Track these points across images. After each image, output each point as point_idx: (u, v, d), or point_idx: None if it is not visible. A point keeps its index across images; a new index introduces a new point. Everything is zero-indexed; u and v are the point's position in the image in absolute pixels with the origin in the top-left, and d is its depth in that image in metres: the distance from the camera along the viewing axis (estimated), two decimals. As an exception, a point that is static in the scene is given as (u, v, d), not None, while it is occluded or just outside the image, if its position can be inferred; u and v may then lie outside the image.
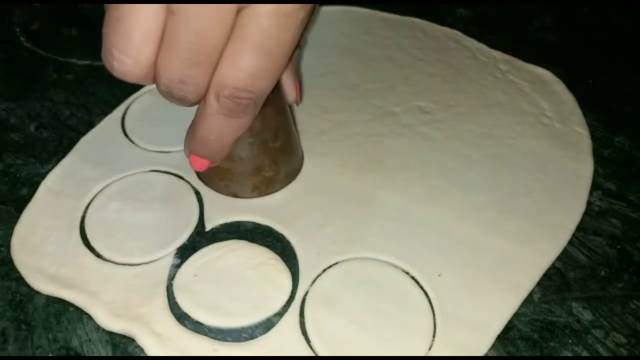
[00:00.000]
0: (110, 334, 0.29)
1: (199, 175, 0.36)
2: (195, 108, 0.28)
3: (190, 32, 0.22)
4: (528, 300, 0.31)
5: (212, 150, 0.29)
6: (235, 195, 0.34)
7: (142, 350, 0.28)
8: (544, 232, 0.34)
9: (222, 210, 0.34)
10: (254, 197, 0.34)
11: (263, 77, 0.25)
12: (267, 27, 0.23)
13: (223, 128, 0.27)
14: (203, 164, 0.30)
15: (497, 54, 0.47)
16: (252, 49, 0.24)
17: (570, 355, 0.29)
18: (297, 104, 0.35)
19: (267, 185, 0.34)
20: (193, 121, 0.28)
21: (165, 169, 0.36)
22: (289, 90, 0.33)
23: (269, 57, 0.24)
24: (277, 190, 0.35)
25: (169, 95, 0.25)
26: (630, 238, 0.35)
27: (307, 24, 0.25)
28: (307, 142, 0.39)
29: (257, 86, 0.25)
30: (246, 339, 0.29)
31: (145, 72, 0.24)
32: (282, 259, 0.32)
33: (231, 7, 0.22)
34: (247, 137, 0.31)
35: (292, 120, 0.35)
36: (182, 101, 0.26)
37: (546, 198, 0.36)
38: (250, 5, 0.23)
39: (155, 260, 0.32)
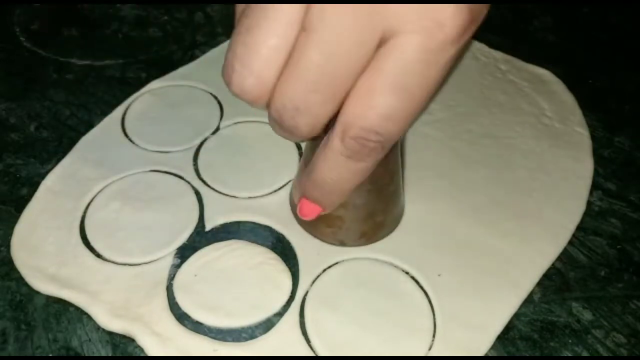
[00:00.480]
0: (110, 334, 0.29)
1: (299, 220, 0.33)
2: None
3: (320, 51, 0.20)
4: (528, 300, 0.31)
5: (327, 196, 0.26)
6: (342, 243, 0.32)
7: (142, 350, 0.28)
8: (544, 232, 0.34)
9: (222, 210, 0.34)
10: (361, 244, 0.32)
11: (397, 119, 0.21)
12: (410, 61, 0.20)
13: (343, 171, 0.24)
14: (313, 211, 0.27)
15: (497, 54, 0.47)
16: (389, 86, 0.20)
17: (570, 355, 0.29)
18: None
19: (375, 231, 0.32)
20: (310, 162, 0.25)
21: (165, 169, 0.36)
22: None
23: (408, 97, 0.21)
24: (383, 237, 0.33)
25: (279, 123, 0.22)
26: (630, 238, 0.35)
27: (454, 64, 0.22)
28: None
29: (389, 129, 0.21)
30: (246, 339, 0.29)
31: (263, 92, 0.21)
32: (282, 259, 0.32)
33: (373, 35, 0.20)
34: (366, 185, 0.28)
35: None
36: (291, 133, 0.23)
37: (546, 198, 0.36)
38: (396, 36, 0.20)
39: (155, 260, 0.32)
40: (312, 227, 0.32)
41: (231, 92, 0.22)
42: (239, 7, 0.21)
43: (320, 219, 0.29)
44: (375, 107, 0.21)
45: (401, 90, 0.20)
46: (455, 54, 0.21)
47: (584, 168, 0.38)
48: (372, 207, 0.31)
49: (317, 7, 0.19)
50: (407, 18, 0.19)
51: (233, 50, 0.21)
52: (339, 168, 0.23)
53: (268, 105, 0.22)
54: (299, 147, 0.38)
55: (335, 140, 0.22)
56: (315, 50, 0.20)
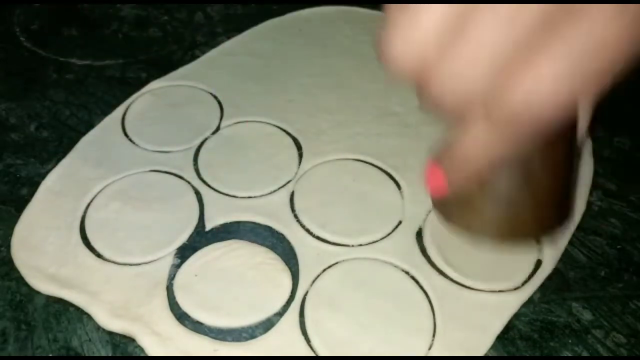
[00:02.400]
0: (110, 334, 0.29)
1: (436, 205, 0.29)
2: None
3: (500, 27, 0.17)
4: (528, 300, 0.31)
5: (461, 171, 0.23)
6: (474, 237, 0.27)
7: (142, 350, 0.28)
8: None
9: (222, 210, 0.34)
10: (495, 243, 0.28)
11: (561, 93, 0.18)
12: (598, 31, 0.17)
13: (486, 148, 0.21)
14: (441, 187, 0.24)
15: (497, 54, 0.47)
16: (562, 52, 0.17)
17: (570, 355, 0.29)
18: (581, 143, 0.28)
19: (514, 236, 0.28)
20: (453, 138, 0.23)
21: (165, 169, 0.36)
22: (582, 122, 0.25)
23: (582, 66, 0.18)
24: (525, 242, 0.28)
25: (438, 104, 0.20)
26: (630, 238, 0.35)
27: None
28: (307, 142, 0.39)
29: (547, 104, 0.18)
30: (246, 339, 0.29)
31: (423, 65, 0.19)
32: (282, 259, 0.32)
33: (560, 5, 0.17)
34: (519, 178, 0.25)
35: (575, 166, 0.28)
36: (449, 114, 0.20)
37: (546, 198, 0.36)
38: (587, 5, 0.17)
39: (155, 260, 0.32)
40: (444, 211, 0.28)
41: (386, 64, 0.19)
42: None
43: (456, 206, 0.26)
44: (539, 76, 0.18)
45: (577, 55, 0.17)
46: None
47: (584, 168, 0.38)
48: (518, 208, 0.26)
49: None
50: None
51: (392, 20, 0.19)
52: (482, 144, 0.21)
53: (424, 84, 0.20)
54: (299, 147, 0.38)
55: (484, 113, 0.20)
56: (494, 26, 0.17)
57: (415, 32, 0.18)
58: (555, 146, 0.25)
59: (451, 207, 0.27)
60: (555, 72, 0.17)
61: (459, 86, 0.19)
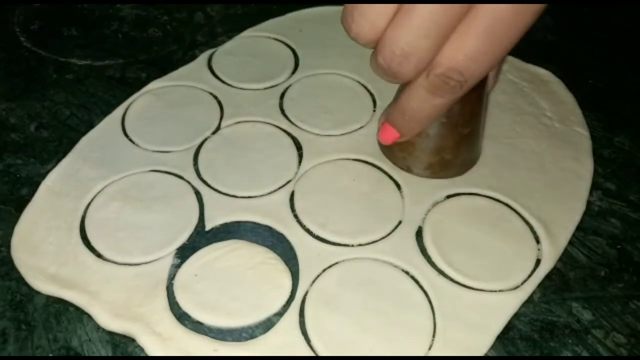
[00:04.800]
0: (111, 334, 0.29)
1: (380, 144, 0.37)
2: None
3: (432, 2, 0.23)
4: (528, 300, 0.31)
5: (405, 123, 0.30)
6: (409, 170, 0.36)
7: (142, 350, 0.28)
8: (544, 232, 0.34)
9: (222, 210, 0.34)
10: (426, 176, 0.35)
11: (481, 62, 0.24)
12: (503, 10, 0.23)
13: (423, 103, 0.27)
14: (392, 136, 0.31)
15: (497, 54, 0.47)
16: (480, 32, 0.23)
17: (570, 355, 0.29)
18: (489, 92, 0.36)
19: (441, 167, 0.35)
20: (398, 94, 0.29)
21: (165, 169, 0.36)
22: (491, 78, 0.33)
23: (495, 42, 0.24)
24: (449, 177, 0.36)
25: (386, 69, 0.26)
26: (630, 238, 0.35)
27: (536, 17, 0.24)
28: (307, 142, 0.39)
29: (472, 70, 0.25)
30: (246, 339, 0.29)
31: (375, 37, 0.25)
32: (282, 259, 0.32)
33: None
34: (442, 119, 0.32)
35: (485, 111, 0.35)
36: (395, 77, 0.26)
37: (546, 198, 0.36)
38: None
39: (155, 260, 0.32)
40: (388, 149, 0.36)
41: (349, 36, 0.26)
42: None
43: (395, 143, 0.33)
44: (464, 48, 0.24)
45: (491, 35, 0.23)
46: (541, 10, 0.23)
47: (584, 168, 0.38)
48: (441, 142, 0.33)
49: None
50: None
51: (351, 3, 0.25)
52: (420, 100, 0.27)
53: (376, 52, 0.26)
54: (298, 147, 0.38)
55: (421, 75, 0.26)
56: (431, 5, 0.23)
57: (370, 8, 0.24)
58: (470, 99, 0.30)
59: (393, 149, 0.36)
60: (477, 45, 0.24)
61: (405, 49, 0.24)
